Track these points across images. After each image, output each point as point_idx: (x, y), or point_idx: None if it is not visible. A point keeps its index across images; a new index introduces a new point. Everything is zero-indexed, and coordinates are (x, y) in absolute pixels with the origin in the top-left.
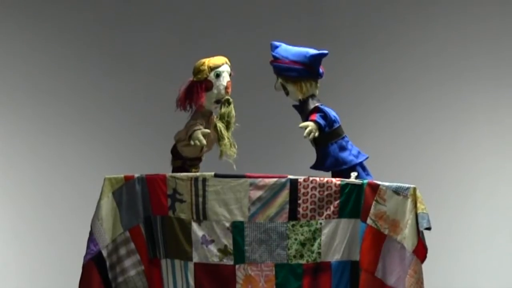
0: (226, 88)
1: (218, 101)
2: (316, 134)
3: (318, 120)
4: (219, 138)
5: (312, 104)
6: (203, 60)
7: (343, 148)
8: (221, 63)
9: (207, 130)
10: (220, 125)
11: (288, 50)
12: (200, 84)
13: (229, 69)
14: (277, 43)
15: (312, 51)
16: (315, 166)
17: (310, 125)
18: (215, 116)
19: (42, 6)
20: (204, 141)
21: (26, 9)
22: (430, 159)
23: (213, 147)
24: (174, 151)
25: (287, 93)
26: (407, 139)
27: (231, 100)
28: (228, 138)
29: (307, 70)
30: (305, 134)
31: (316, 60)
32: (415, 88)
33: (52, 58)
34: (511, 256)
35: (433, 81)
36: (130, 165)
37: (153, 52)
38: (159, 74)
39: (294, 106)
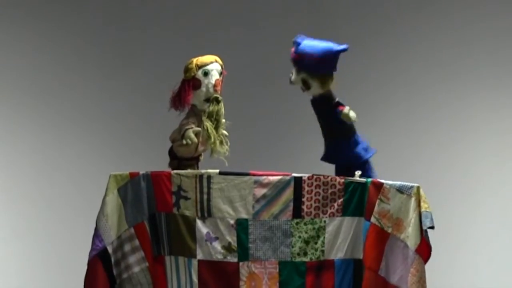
0: (214, 86)
1: (207, 100)
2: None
3: (352, 113)
4: (207, 136)
5: (335, 97)
6: (192, 59)
7: (357, 143)
8: (210, 62)
9: (199, 129)
10: (208, 124)
11: (313, 46)
12: (188, 82)
13: (219, 68)
14: (299, 39)
15: (336, 47)
16: (333, 160)
17: (350, 109)
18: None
19: (43, 5)
20: (196, 140)
21: (26, 8)
22: (431, 158)
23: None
24: (171, 152)
25: (307, 88)
26: (408, 138)
27: (220, 98)
28: (216, 136)
29: (333, 66)
30: (355, 116)
31: (339, 55)
32: (416, 88)
33: (52, 57)
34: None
35: (434, 81)
36: (130, 165)
37: (156, 51)
38: (161, 73)
39: (313, 100)
